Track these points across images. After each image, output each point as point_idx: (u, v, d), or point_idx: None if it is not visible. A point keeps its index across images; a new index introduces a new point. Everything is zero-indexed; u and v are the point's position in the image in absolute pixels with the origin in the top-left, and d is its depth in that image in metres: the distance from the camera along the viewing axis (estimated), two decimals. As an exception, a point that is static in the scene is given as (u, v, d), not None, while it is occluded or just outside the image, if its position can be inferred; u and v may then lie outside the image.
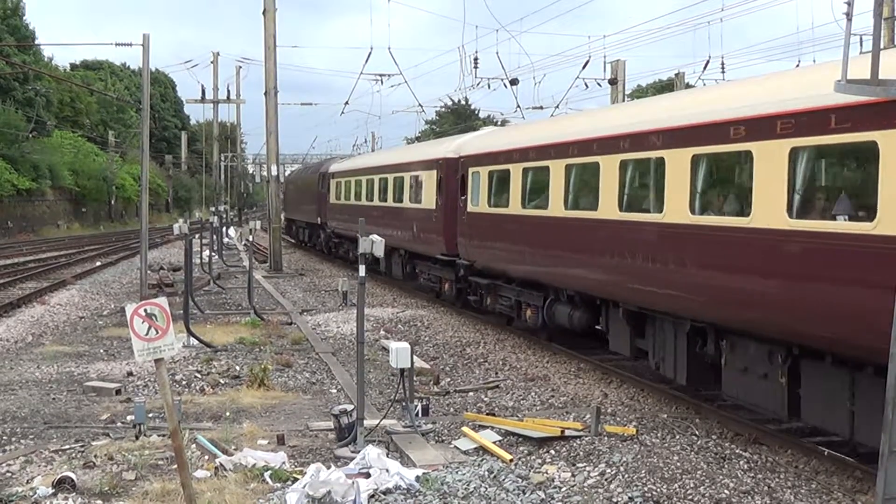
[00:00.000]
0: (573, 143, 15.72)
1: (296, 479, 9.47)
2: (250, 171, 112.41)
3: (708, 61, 35.73)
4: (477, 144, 21.83)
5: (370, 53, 42.72)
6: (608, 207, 14.31)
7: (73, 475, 9.65)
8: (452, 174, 22.47)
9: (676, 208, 12.31)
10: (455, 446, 11.27)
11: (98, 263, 39.04)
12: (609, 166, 14.30)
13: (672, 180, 12.42)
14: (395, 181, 28.18)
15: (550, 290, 17.29)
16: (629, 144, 13.81)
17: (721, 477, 10.04)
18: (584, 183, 15.54)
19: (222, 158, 79.79)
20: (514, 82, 38.23)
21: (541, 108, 42.20)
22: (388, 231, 26.89)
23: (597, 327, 16.57)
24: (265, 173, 41.01)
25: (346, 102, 45.58)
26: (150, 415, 12.19)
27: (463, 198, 21.54)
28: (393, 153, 33.00)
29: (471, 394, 14.64)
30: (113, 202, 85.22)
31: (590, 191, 15.14)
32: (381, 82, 44.70)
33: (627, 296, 14.11)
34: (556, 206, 16.28)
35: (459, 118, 79.41)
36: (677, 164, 12.30)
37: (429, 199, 24.13)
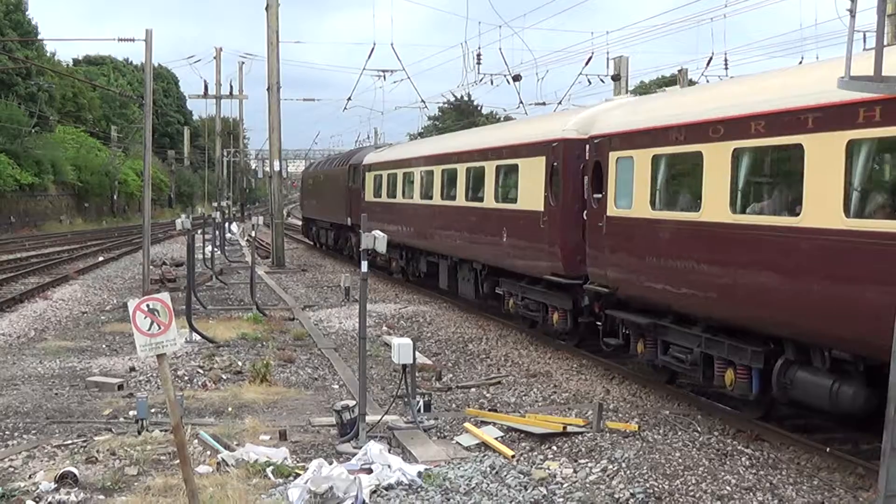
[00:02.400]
0: (868, 104, 9.29)
1: (298, 475, 9.48)
2: (253, 167, 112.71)
3: (711, 58, 35.69)
4: (625, 116, 14.93)
5: (373, 49, 42.35)
6: None
7: (75, 470, 9.67)
8: (573, 162, 16.16)
9: None
10: (457, 442, 11.29)
11: (100, 259, 39.08)
12: None
13: None
14: (470, 173, 21.47)
15: (788, 345, 10.93)
16: None
17: (723, 473, 10.06)
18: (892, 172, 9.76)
19: (225, 154, 79.82)
20: (517, 78, 38.17)
21: (543, 104, 42.11)
22: (455, 237, 22.30)
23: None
24: (268, 169, 41.00)
25: (349, 98, 45.36)
26: (153, 410, 12.20)
27: (597, 196, 15.16)
28: (465, 136, 25.65)
29: (473, 390, 14.66)
30: (115, 197, 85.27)
31: None
32: (384, 78, 44.62)
33: None
34: (823, 213, 9.92)
35: (462, 114, 79.42)
36: None
37: (530, 197, 17.61)
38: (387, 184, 29.81)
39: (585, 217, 15.75)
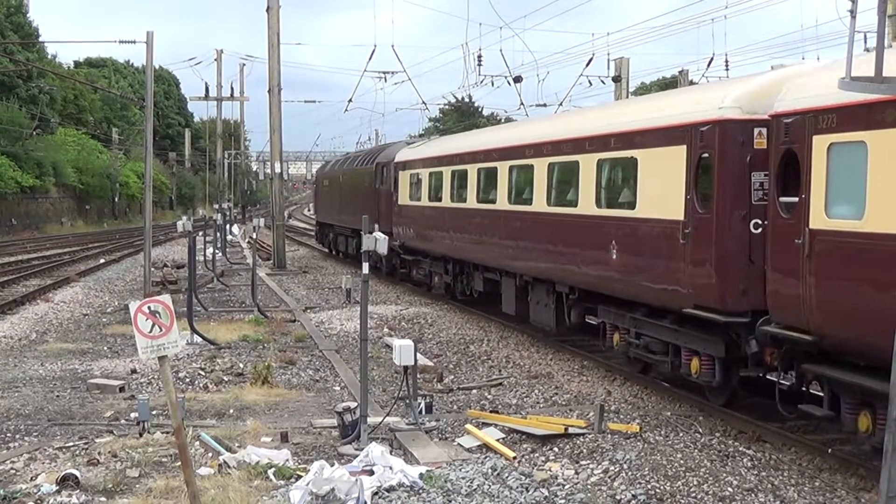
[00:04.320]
0: None
1: (299, 477, 9.48)
2: (254, 169, 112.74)
3: (712, 59, 35.65)
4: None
5: (374, 51, 42.24)
6: None
7: (76, 472, 9.67)
8: (735, 151, 11.79)
9: None
10: (458, 444, 11.29)
11: (102, 261, 39.09)
12: None
13: None
14: (553, 170, 17.00)
15: None
16: None
17: (724, 475, 10.06)
18: None
19: (226, 156, 79.85)
20: (518, 80, 38.13)
21: (545, 105, 42.10)
22: (529, 251, 17.82)
23: None
24: (269, 171, 40.96)
25: (350, 100, 45.44)
26: (154, 412, 12.19)
27: (787, 199, 10.87)
28: (543, 124, 20.13)
29: (474, 391, 14.66)
30: (116, 199, 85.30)
31: None
32: (385, 80, 44.66)
33: None
34: None
35: (463, 116, 79.45)
36: None
37: (660, 202, 13.21)
38: (428, 184, 25.02)
39: (756, 229, 11.62)
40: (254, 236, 30.87)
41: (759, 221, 11.54)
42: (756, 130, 11.75)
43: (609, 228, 14.58)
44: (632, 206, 14.00)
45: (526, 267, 18.33)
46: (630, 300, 14.28)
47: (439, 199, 23.91)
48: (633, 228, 13.92)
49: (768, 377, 12.44)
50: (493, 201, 19.87)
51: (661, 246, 13.12)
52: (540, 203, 17.31)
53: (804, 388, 11.21)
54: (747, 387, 12.85)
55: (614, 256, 14.35)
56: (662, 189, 13.17)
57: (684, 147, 12.60)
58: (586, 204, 15.41)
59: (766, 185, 11.47)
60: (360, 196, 33.70)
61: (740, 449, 11.08)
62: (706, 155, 12.20)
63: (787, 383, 11.79)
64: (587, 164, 15.40)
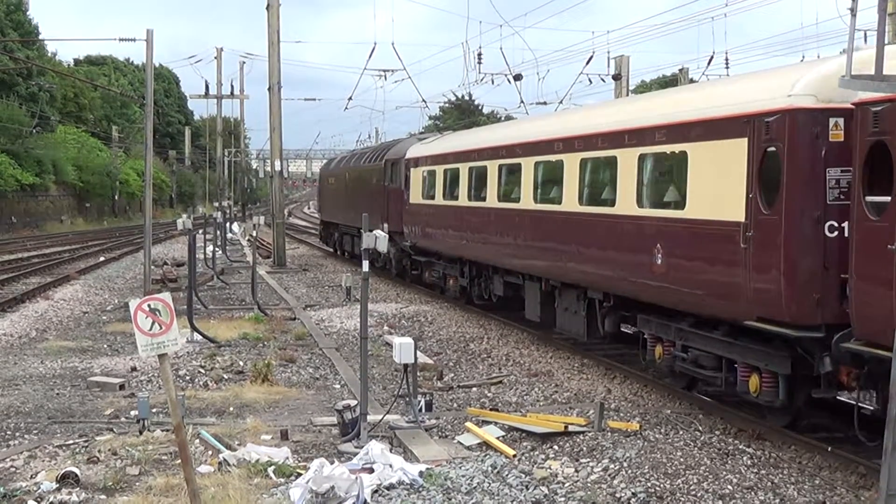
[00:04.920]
0: None
1: (299, 475, 9.49)
2: (254, 167, 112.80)
3: (712, 57, 35.67)
4: None
5: (374, 49, 42.19)
6: None
7: (76, 470, 9.68)
8: (808, 144, 10.42)
9: None
10: (458, 441, 11.30)
11: (102, 259, 39.11)
12: None
13: None
14: (586, 167, 15.52)
15: None
16: None
17: (724, 473, 10.06)
18: None
19: (226, 154, 79.86)
20: (518, 77, 38.17)
21: (545, 103, 42.11)
22: (557, 254, 16.47)
23: None
24: (269, 169, 40.93)
25: (350, 98, 45.39)
26: (154, 410, 12.21)
27: (875, 199, 9.65)
28: (573, 116, 18.66)
29: (474, 389, 14.66)
30: (116, 198, 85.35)
31: None
32: (385, 78, 44.62)
33: None
34: None
35: (463, 114, 79.46)
36: None
37: (715, 201, 11.80)
38: (442, 182, 23.62)
39: (832, 232, 10.34)
40: (254, 234, 30.85)
41: (836, 224, 10.29)
42: (832, 121, 10.36)
43: (653, 230, 13.20)
44: (680, 205, 12.63)
45: (553, 271, 16.98)
46: (675, 309, 12.98)
47: (455, 198, 22.51)
48: (681, 230, 12.53)
49: (839, 398, 11.71)
50: (517, 200, 18.49)
51: (716, 250, 11.70)
52: (571, 202, 15.92)
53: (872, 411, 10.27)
54: (812, 406, 11.84)
55: (658, 261, 12.95)
56: (718, 187, 11.69)
57: (745, 140, 11.18)
58: (626, 203, 14.00)
59: (843, 183, 10.22)
60: (367, 194, 32.25)
61: (740, 447, 11.09)
62: (772, 149, 10.78)
63: (871, 407, 10.75)
64: (627, 160, 13.96)
